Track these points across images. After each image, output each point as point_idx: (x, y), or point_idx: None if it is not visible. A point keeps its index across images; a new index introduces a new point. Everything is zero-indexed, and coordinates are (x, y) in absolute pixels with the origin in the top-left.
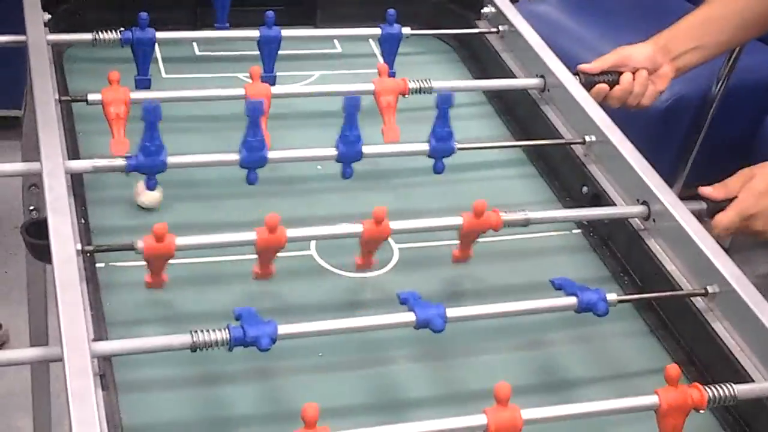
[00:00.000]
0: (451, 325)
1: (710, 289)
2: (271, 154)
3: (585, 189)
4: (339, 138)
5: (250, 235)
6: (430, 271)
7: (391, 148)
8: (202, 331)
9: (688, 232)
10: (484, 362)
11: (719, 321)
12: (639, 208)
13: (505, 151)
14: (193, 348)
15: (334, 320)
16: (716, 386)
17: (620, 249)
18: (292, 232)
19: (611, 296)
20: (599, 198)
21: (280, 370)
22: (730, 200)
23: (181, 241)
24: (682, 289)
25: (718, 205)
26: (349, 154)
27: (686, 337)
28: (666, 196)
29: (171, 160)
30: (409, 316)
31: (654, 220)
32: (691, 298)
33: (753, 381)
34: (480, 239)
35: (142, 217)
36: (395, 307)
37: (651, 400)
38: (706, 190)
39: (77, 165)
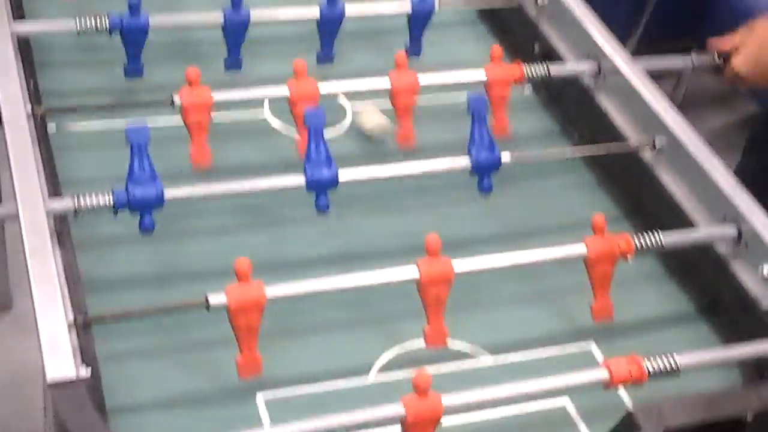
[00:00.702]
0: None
1: (657, 142)
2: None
3: (536, 47)
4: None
5: None
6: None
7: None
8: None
9: (636, 87)
10: (416, 217)
11: (665, 172)
12: (588, 64)
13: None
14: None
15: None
16: (644, 234)
17: (570, 105)
18: None
19: (505, 156)
20: (550, 55)
21: (219, 227)
22: None
23: None
24: (629, 142)
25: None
26: None
27: (633, 188)
28: (616, 52)
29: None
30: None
31: (604, 77)
32: (638, 151)
33: (694, 227)
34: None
35: (96, 75)
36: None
37: (579, 249)
38: (715, 42)
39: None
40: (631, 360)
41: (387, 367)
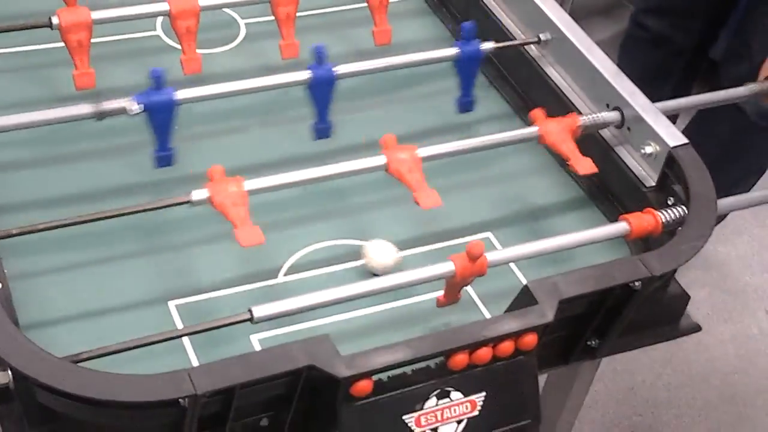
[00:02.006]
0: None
1: (542, 37)
2: None
3: None
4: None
5: None
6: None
7: None
8: None
9: None
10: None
11: (551, 66)
12: None
13: None
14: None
15: None
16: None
17: (458, 7)
18: None
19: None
20: None
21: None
22: None
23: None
24: (516, 40)
25: None
26: None
27: (522, 84)
28: None
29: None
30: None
31: None
32: (525, 47)
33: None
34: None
35: None
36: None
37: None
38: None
39: None
40: (647, 212)
41: (293, 270)
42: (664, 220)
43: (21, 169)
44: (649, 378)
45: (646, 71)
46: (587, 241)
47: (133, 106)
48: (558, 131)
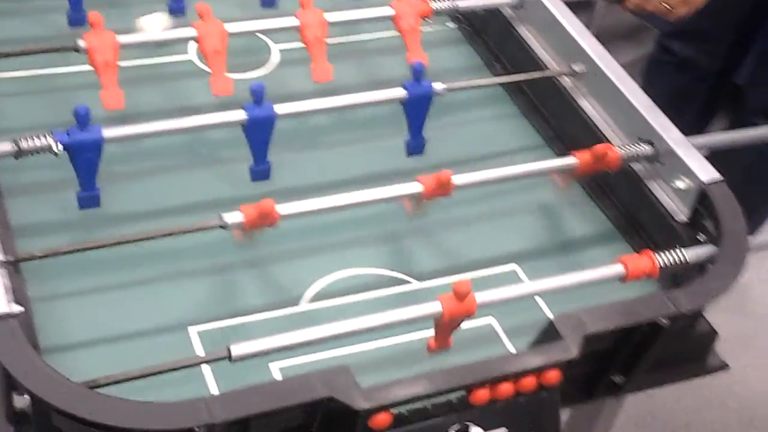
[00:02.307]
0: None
1: (576, 68)
2: None
3: None
4: None
5: None
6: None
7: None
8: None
9: (556, 16)
10: (354, 150)
11: (585, 98)
12: None
13: None
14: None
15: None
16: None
17: (493, 38)
18: None
19: (437, 85)
20: None
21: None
22: None
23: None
24: (549, 71)
25: None
26: None
27: (554, 115)
28: None
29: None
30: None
31: (524, 7)
32: (558, 79)
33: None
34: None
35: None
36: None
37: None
38: None
39: None
40: (644, 254)
41: (317, 297)
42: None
43: (43, 192)
44: (668, 402)
45: (671, 95)
46: (579, 283)
47: (56, 146)
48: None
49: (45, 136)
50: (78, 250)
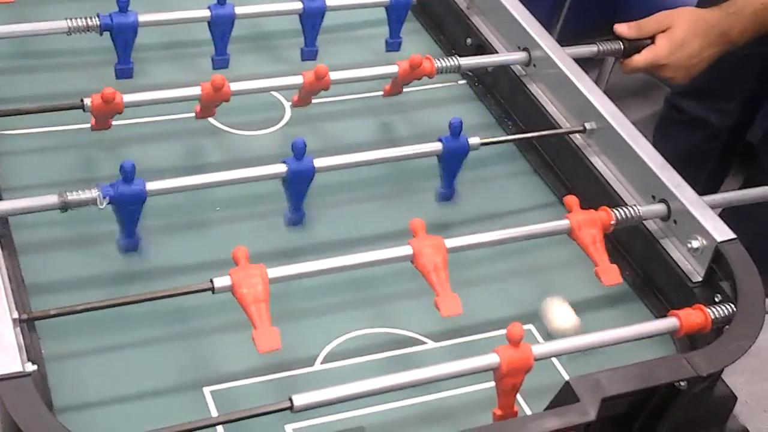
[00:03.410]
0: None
1: (588, 126)
2: None
3: (469, 41)
4: None
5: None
6: (319, 125)
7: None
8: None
9: (567, 74)
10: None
11: (596, 155)
12: (520, 55)
13: None
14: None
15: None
16: None
17: (504, 95)
18: None
19: (473, 140)
20: (483, 48)
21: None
22: (644, 41)
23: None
24: (561, 128)
25: (633, 45)
26: None
27: (567, 172)
28: (545, 41)
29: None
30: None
31: (534, 65)
32: (570, 136)
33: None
34: (367, 93)
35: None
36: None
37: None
38: (621, 28)
39: None
40: (696, 308)
41: (330, 357)
42: (713, 318)
43: (57, 249)
44: None
45: (683, 154)
46: (633, 336)
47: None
48: (588, 226)
49: (91, 190)
50: (92, 309)
